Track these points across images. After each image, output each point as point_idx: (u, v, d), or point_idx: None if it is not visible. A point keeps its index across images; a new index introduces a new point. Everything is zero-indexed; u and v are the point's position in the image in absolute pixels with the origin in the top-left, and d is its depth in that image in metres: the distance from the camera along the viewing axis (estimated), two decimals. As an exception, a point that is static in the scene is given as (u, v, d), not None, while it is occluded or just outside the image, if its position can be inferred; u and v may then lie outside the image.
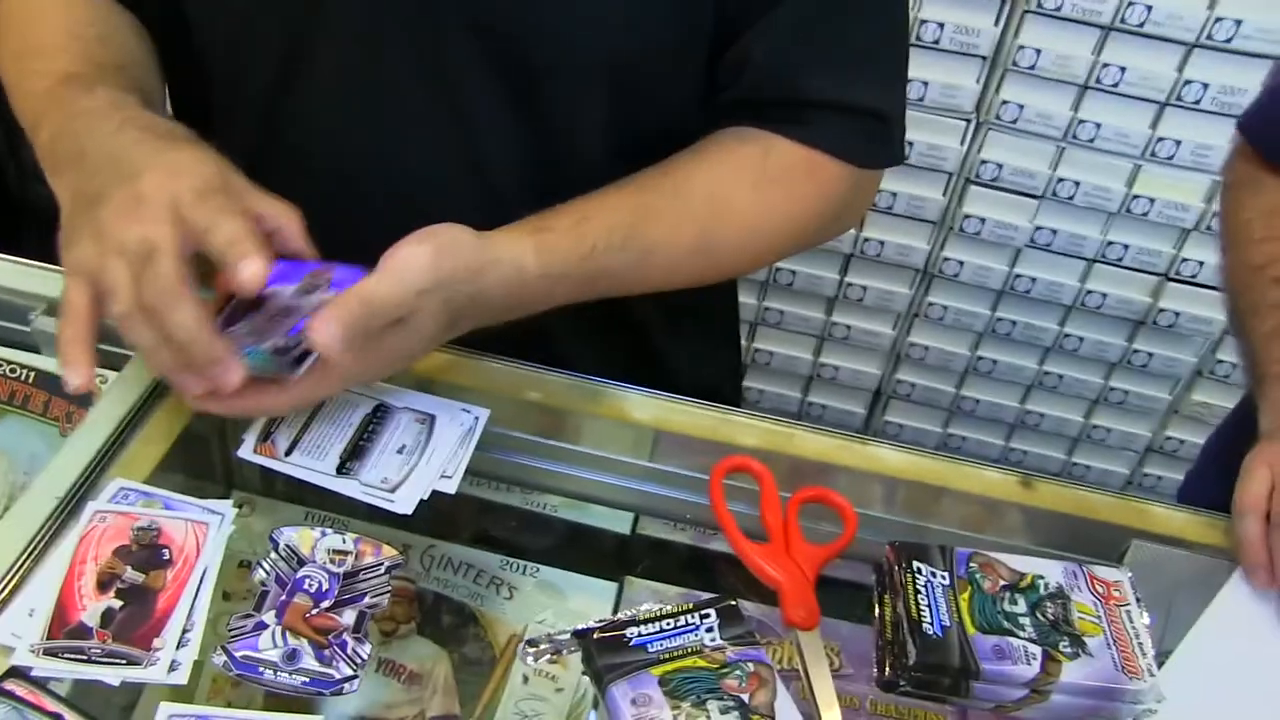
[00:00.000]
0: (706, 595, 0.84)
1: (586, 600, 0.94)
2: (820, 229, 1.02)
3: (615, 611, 0.87)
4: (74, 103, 0.84)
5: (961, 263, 2.20)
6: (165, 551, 0.86)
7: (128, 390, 0.96)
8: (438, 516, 0.91)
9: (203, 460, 0.99)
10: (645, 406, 1.02)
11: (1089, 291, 2.19)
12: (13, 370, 1.03)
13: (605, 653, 0.78)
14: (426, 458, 0.92)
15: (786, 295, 2.27)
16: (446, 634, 0.95)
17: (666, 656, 0.78)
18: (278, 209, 0.81)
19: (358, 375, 0.84)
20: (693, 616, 0.82)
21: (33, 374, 1.02)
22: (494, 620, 0.93)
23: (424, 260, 0.80)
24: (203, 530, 0.87)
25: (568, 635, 0.82)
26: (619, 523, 1.01)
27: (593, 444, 1.02)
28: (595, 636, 0.79)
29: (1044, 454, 2.46)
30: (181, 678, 0.82)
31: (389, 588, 0.88)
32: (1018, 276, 2.19)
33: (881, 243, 2.18)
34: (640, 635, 0.79)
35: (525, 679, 0.92)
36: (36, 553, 0.85)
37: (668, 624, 0.81)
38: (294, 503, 0.98)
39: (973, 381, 2.39)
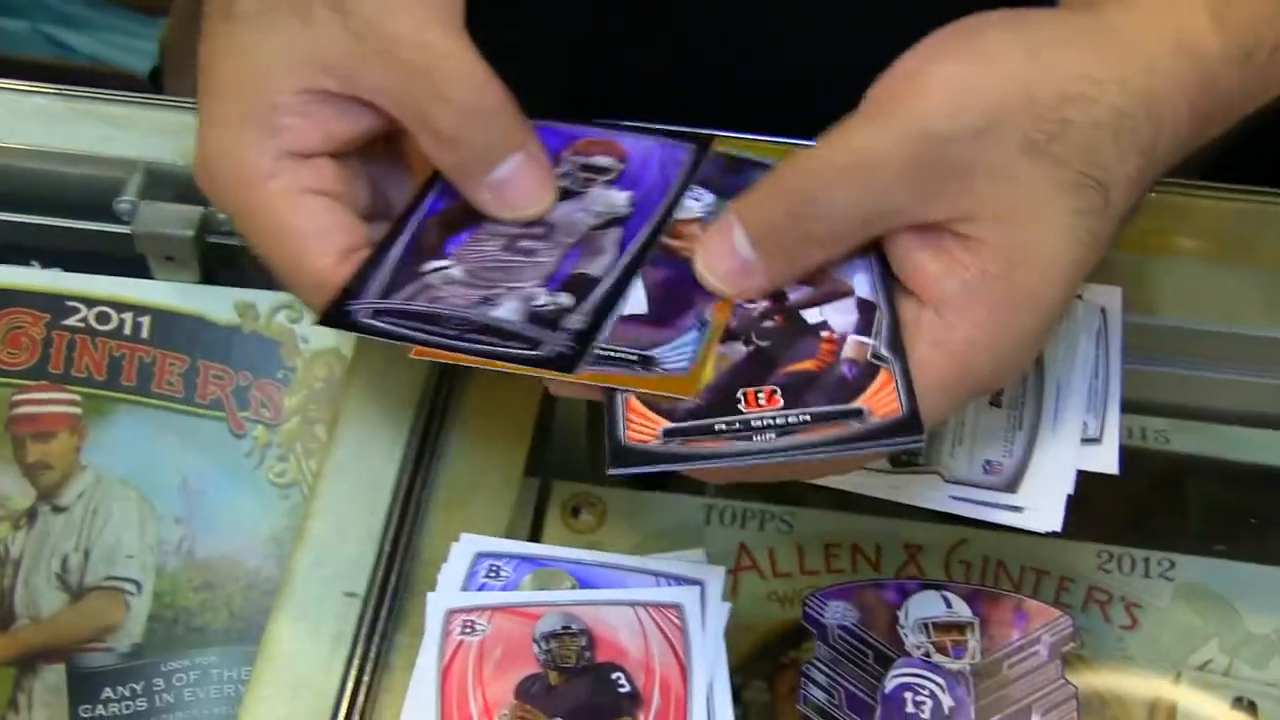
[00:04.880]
0: None
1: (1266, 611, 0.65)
2: None
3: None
4: None
5: None
6: (618, 676, 0.57)
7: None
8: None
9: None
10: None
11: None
12: (102, 317, 0.70)
13: None
14: (1047, 409, 0.62)
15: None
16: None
17: None
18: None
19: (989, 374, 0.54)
20: None
21: (149, 318, 0.70)
22: (1108, 669, 0.65)
23: (962, 83, 0.52)
24: (672, 619, 0.58)
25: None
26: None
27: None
28: None
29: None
30: None
31: (1070, 691, 0.58)
32: None
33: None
34: None
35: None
36: (362, 716, 0.58)
37: None
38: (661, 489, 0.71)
39: None
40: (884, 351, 0.50)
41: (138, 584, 0.65)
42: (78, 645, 0.64)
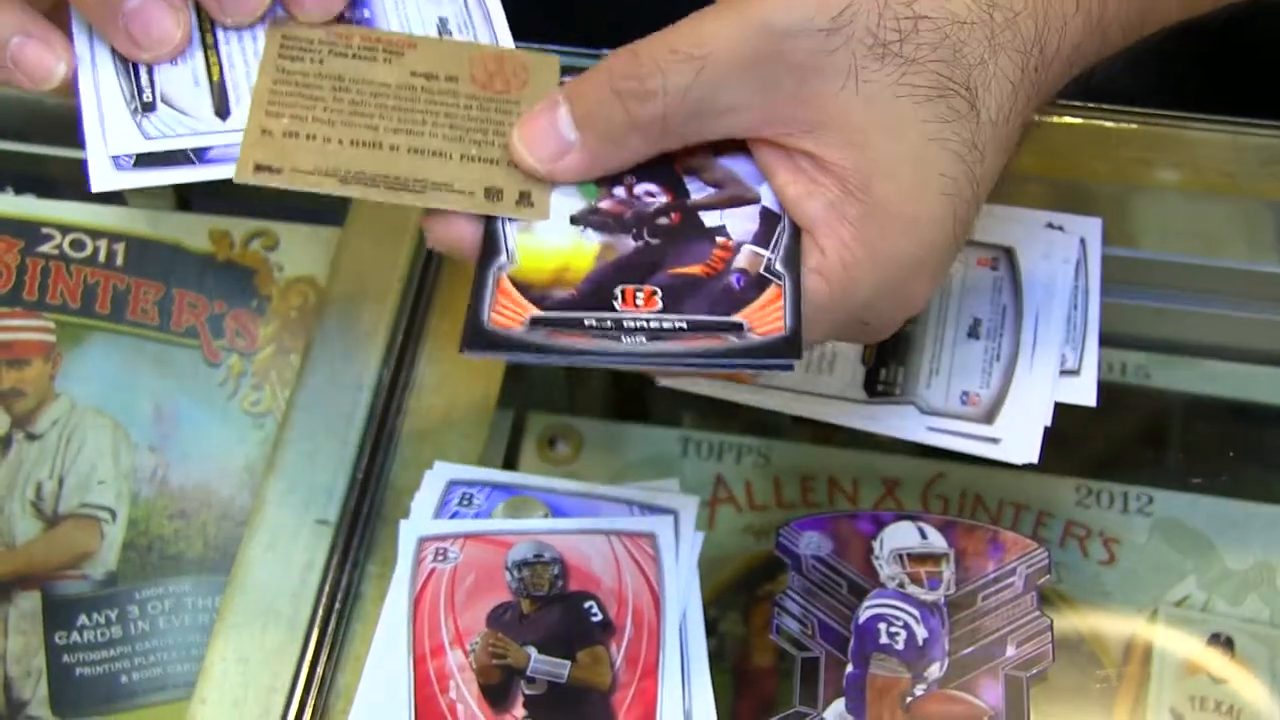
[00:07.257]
0: None
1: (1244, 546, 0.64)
2: None
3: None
4: None
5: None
6: (590, 605, 0.57)
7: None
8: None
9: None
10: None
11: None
12: (76, 244, 0.69)
13: None
14: (1025, 340, 0.61)
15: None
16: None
17: None
18: None
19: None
20: None
21: (123, 245, 0.69)
22: (1085, 604, 0.64)
23: None
24: (645, 548, 0.58)
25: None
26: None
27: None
28: None
29: None
30: None
31: (1045, 624, 0.57)
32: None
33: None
34: None
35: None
36: (332, 644, 0.57)
37: None
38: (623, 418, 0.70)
39: None
40: (778, 266, 0.47)
41: (112, 512, 0.64)
42: (53, 572, 0.63)
